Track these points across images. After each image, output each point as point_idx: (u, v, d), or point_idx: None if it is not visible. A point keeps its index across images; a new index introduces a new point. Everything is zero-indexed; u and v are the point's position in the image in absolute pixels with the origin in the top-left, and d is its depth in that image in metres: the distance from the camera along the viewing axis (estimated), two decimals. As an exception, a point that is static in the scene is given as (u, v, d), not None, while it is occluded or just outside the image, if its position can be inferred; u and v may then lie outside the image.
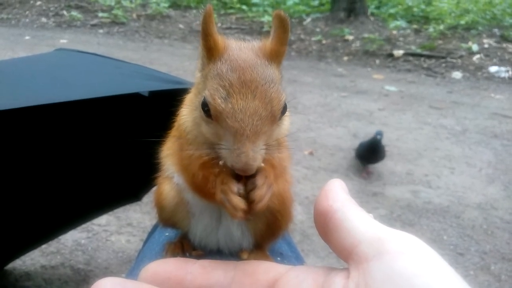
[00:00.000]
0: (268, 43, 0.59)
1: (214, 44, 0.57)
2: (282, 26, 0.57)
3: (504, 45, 7.53)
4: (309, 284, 0.51)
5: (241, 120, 0.54)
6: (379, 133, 3.59)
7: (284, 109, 0.58)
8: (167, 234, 0.89)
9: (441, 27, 8.14)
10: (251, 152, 0.54)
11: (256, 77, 0.55)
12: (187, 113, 0.65)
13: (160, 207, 0.77)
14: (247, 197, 0.59)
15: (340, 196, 0.54)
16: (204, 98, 0.57)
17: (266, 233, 0.75)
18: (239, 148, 0.54)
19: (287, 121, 0.65)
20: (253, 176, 0.58)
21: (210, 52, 0.58)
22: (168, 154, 0.72)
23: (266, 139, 0.57)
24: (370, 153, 3.63)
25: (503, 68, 6.82)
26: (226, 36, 0.63)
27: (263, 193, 0.59)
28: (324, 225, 0.52)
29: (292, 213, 0.77)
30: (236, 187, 0.59)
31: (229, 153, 0.55)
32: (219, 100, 0.54)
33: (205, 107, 0.57)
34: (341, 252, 0.51)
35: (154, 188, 0.80)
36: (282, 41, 0.58)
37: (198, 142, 0.62)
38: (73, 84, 1.33)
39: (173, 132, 0.71)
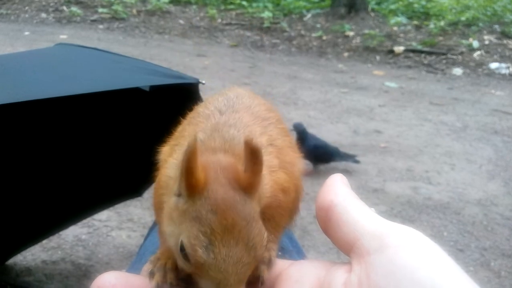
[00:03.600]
0: (242, 175, 0.54)
1: (195, 183, 0.53)
2: (253, 157, 0.53)
3: (505, 41, 7.52)
4: (311, 278, 0.51)
5: (224, 271, 0.50)
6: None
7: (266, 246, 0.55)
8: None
9: (442, 23, 8.12)
10: None
11: (237, 220, 0.51)
12: (169, 170, 0.61)
13: (159, 188, 0.75)
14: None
15: (341, 190, 0.54)
16: (182, 243, 0.52)
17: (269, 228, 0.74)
18: None
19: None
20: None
21: (191, 189, 0.53)
22: (166, 160, 0.69)
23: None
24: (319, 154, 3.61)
25: (503, 65, 6.82)
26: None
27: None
28: (326, 220, 0.53)
29: (298, 208, 0.76)
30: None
31: None
32: (200, 251, 0.50)
33: (183, 251, 0.52)
34: (343, 246, 0.51)
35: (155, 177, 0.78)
36: (256, 172, 0.54)
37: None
38: (73, 79, 1.33)
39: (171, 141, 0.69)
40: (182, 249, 0.52)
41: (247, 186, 0.54)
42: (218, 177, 0.54)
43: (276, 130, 0.69)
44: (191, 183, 0.52)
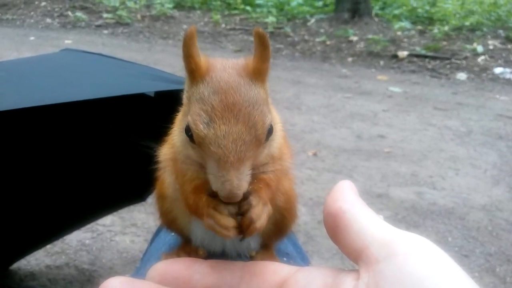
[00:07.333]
0: (250, 61, 0.58)
1: (195, 67, 0.56)
2: (262, 43, 0.56)
3: (509, 46, 7.51)
4: (317, 285, 0.51)
5: (224, 147, 0.52)
6: None
7: (270, 131, 0.56)
8: (173, 234, 0.88)
9: (446, 28, 8.12)
10: (235, 180, 0.52)
11: (239, 100, 0.53)
12: (177, 134, 0.64)
13: (161, 196, 0.74)
14: (241, 219, 0.57)
15: (349, 197, 0.53)
16: (188, 124, 0.55)
17: (274, 232, 0.74)
18: (223, 176, 0.52)
19: (277, 137, 0.63)
20: (245, 198, 0.56)
21: (192, 74, 0.56)
22: (166, 159, 0.70)
23: (252, 163, 0.55)
24: None
25: (508, 70, 6.80)
26: (210, 55, 0.60)
27: (259, 211, 0.57)
28: (334, 226, 0.52)
29: (297, 211, 0.77)
30: (225, 208, 0.57)
31: (214, 180, 0.54)
32: (201, 126, 0.53)
33: (189, 132, 0.55)
34: (351, 254, 0.51)
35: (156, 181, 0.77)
36: (264, 59, 0.57)
37: (188, 164, 0.61)
38: (78, 84, 1.33)
39: (169, 140, 0.70)
40: (188, 129, 0.56)
41: (255, 71, 0.57)
42: (225, 67, 0.57)
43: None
44: (191, 68, 0.56)
